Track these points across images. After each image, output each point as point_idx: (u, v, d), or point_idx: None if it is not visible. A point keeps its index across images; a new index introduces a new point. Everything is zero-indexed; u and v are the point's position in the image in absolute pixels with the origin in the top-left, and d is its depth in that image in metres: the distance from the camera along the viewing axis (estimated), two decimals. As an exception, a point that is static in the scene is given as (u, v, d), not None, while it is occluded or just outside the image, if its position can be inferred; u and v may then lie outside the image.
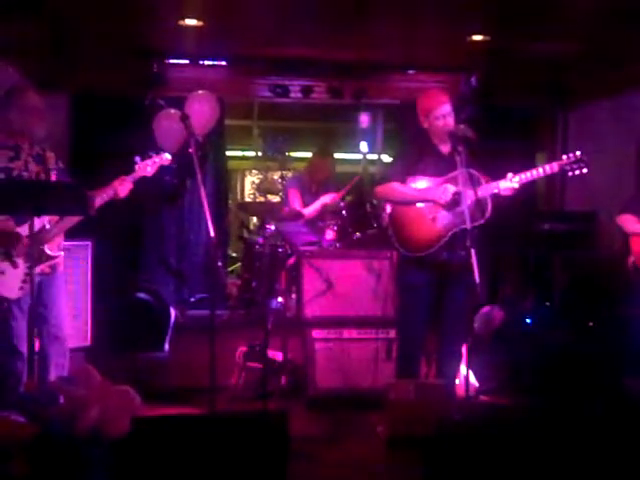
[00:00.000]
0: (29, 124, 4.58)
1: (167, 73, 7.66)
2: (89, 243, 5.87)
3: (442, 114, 4.72)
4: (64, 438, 3.31)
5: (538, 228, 7.50)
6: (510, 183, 4.59)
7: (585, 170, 4.58)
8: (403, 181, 4.81)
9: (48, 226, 4.54)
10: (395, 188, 4.83)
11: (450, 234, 4.67)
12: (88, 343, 5.79)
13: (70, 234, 5.09)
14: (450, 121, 4.73)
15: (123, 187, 4.68)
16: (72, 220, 4.68)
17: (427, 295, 4.86)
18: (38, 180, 4.61)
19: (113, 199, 4.66)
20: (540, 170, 4.61)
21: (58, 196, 4.30)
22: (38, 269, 4.53)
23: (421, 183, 4.79)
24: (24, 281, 4.53)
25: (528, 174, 4.60)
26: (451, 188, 4.64)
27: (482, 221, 4.56)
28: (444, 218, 4.71)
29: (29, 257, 4.50)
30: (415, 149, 4.94)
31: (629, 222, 5.86)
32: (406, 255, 4.87)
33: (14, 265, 4.51)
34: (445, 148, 4.80)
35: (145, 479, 3.46)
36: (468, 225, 4.30)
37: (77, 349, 5.52)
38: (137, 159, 4.78)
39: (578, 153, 4.60)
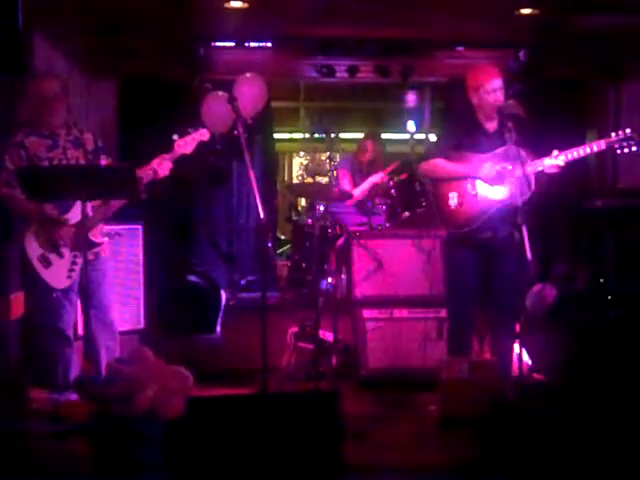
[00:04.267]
0: (42, 113, 4.59)
1: (213, 56, 7.67)
2: (140, 227, 5.91)
3: (492, 88, 4.66)
4: (121, 418, 3.37)
5: (591, 205, 7.38)
6: (555, 160, 4.52)
7: (635, 148, 4.48)
8: (448, 157, 4.77)
9: (91, 213, 4.55)
10: (438, 164, 4.80)
11: (494, 211, 4.62)
12: (141, 326, 5.85)
13: (121, 218, 5.15)
14: (500, 96, 4.67)
15: (162, 166, 4.60)
16: (115, 206, 4.69)
17: (473, 272, 4.82)
18: (89, 165, 4.64)
19: (154, 179, 4.60)
20: (587, 148, 4.52)
21: (109, 180, 4.33)
22: (84, 257, 4.58)
23: (466, 159, 4.75)
24: (71, 270, 4.57)
25: (575, 152, 4.51)
26: (495, 165, 4.60)
27: (527, 197, 4.49)
28: (488, 195, 4.66)
29: (75, 246, 4.56)
30: (460, 126, 4.89)
31: None
32: (450, 232, 4.85)
33: (60, 255, 4.56)
34: (491, 125, 4.76)
35: (199, 458, 3.50)
36: (518, 201, 4.27)
37: (131, 332, 5.60)
38: (175, 137, 4.67)
39: (628, 130, 4.50)
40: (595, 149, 4.51)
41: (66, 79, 4.83)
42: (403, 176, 6.92)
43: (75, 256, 4.58)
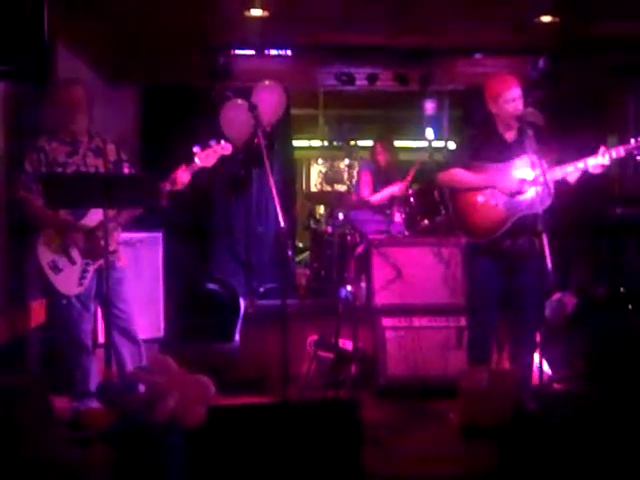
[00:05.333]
0: (65, 119, 4.63)
1: (233, 64, 7.67)
2: (160, 235, 5.93)
3: (512, 97, 4.65)
4: (142, 426, 3.37)
5: (610, 212, 7.34)
6: (602, 159, 4.48)
7: None
8: (466, 167, 4.77)
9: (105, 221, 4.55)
10: (457, 174, 4.79)
11: (514, 220, 4.61)
12: (161, 334, 5.86)
13: (141, 226, 5.17)
14: (519, 105, 4.67)
15: (181, 178, 4.60)
16: (130, 215, 4.71)
17: (493, 281, 4.80)
18: (111, 174, 4.67)
19: (171, 190, 4.60)
20: (606, 155, 4.51)
21: (130, 189, 4.36)
22: (96, 264, 4.60)
23: (485, 169, 4.74)
24: (82, 277, 4.58)
25: (618, 151, 4.50)
26: (517, 175, 4.59)
27: (548, 205, 4.47)
28: (508, 204, 4.65)
29: (88, 253, 4.58)
30: (479, 135, 4.89)
31: None
32: (470, 242, 4.85)
33: (72, 261, 4.58)
34: (510, 135, 4.76)
35: (220, 468, 3.50)
36: (539, 210, 4.27)
37: (151, 340, 5.61)
38: (197, 149, 4.65)
39: None
40: (614, 155, 4.49)
41: (90, 87, 4.85)
42: (421, 185, 6.94)
43: (87, 263, 4.59)
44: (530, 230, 4.48)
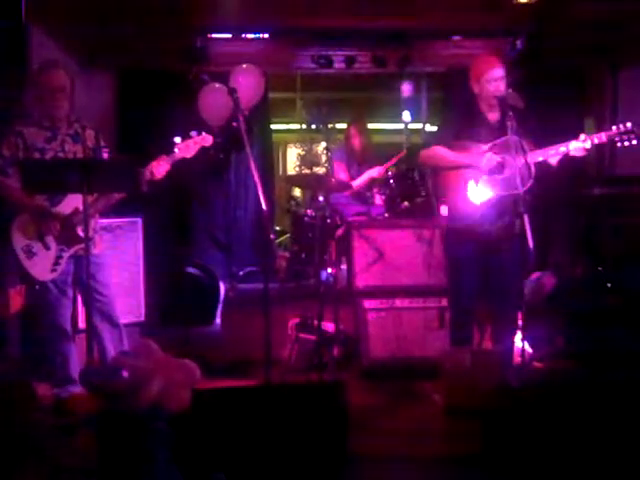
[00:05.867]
0: (46, 104, 4.56)
1: (210, 48, 7.63)
2: (139, 220, 5.89)
3: (494, 77, 4.68)
4: (127, 411, 3.36)
5: (588, 193, 7.38)
6: (582, 143, 4.51)
7: (635, 142, 4.49)
8: (448, 146, 4.79)
9: (81, 208, 4.47)
10: (439, 152, 4.82)
11: (494, 200, 4.63)
12: (142, 319, 5.84)
13: (120, 211, 5.13)
14: (501, 86, 4.69)
15: (160, 168, 4.58)
16: (107, 202, 4.67)
17: (474, 263, 4.84)
18: (90, 158, 4.62)
19: (150, 180, 4.56)
20: (587, 140, 4.54)
21: (110, 173, 4.32)
22: (72, 251, 4.57)
23: (466, 149, 4.75)
24: (56, 263, 4.55)
25: (599, 137, 4.53)
26: (496, 155, 4.61)
27: (528, 186, 4.49)
28: (488, 184, 4.67)
29: (62, 239, 4.54)
30: (462, 115, 4.92)
31: None
32: (450, 224, 4.86)
33: (46, 247, 4.54)
34: (493, 115, 4.78)
35: (205, 451, 3.50)
36: (520, 190, 4.28)
37: (131, 324, 5.58)
38: (177, 140, 4.64)
39: (629, 125, 4.50)
40: (596, 141, 4.53)
41: (72, 73, 4.78)
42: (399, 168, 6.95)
43: (62, 250, 4.56)
44: (511, 211, 4.51)
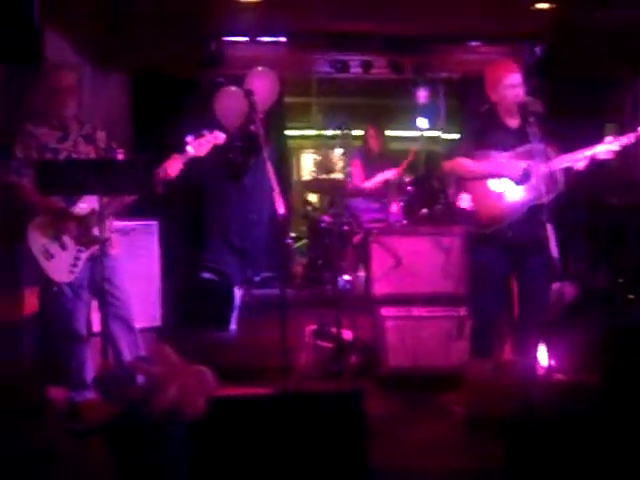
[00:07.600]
0: (54, 104, 4.53)
1: (225, 51, 7.62)
2: (155, 223, 5.85)
3: (512, 84, 4.57)
4: (142, 418, 3.28)
5: (610, 201, 7.30)
6: (610, 146, 4.41)
7: None
8: (471, 156, 4.68)
9: (98, 209, 4.42)
10: (462, 163, 4.71)
11: (521, 210, 4.54)
12: (158, 323, 5.78)
13: (136, 214, 5.08)
14: (520, 92, 4.58)
15: (173, 167, 4.50)
16: (122, 202, 4.61)
17: (497, 272, 4.72)
18: (105, 159, 4.59)
19: (164, 179, 4.49)
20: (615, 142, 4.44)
21: (125, 174, 4.29)
22: (88, 252, 4.51)
23: (490, 158, 4.66)
24: (74, 265, 4.49)
25: (627, 138, 4.43)
26: (520, 163, 4.51)
27: (555, 194, 4.40)
28: (513, 193, 4.57)
29: (80, 240, 4.48)
30: (481, 123, 4.79)
31: None
32: (473, 231, 4.78)
33: (64, 248, 4.48)
34: (513, 122, 4.66)
35: (221, 459, 3.43)
36: (545, 199, 4.19)
37: (148, 329, 5.53)
38: (189, 139, 4.56)
39: None
40: (625, 142, 4.43)
41: (80, 73, 4.75)
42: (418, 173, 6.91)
43: (79, 250, 4.50)
44: (535, 220, 4.41)
